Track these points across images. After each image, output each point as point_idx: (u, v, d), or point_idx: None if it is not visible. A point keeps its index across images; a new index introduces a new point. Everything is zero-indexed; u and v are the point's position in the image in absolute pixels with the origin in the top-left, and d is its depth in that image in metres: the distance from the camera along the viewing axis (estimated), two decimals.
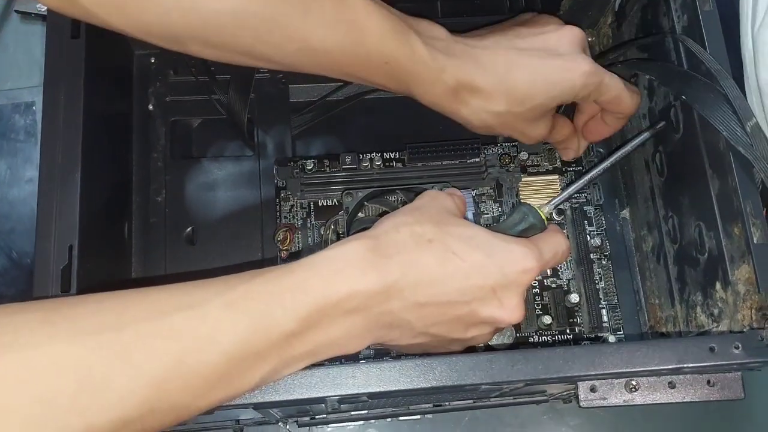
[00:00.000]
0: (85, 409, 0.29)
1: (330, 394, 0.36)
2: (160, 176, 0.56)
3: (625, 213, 0.58)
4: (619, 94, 0.48)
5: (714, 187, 0.45)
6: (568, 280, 0.55)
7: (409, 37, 0.44)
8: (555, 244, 0.44)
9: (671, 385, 0.42)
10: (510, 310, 0.40)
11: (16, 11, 0.60)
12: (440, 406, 0.54)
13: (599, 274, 0.55)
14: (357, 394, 0.36)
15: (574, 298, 0.54)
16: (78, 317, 0.31)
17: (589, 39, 0.60)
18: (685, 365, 0.39)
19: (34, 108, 0.58)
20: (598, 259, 0.56)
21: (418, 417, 0.56)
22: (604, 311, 0.55)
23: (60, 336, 0.29)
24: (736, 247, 0.43)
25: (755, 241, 0.41)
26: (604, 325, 0.54)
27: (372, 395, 0.37)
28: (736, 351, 0.39)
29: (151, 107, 0.58)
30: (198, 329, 0.32)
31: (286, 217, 0.55)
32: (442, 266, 0.38)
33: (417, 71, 0.45)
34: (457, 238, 0.39)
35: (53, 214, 0.38)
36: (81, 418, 0.29)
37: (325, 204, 0.55)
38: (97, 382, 0.29)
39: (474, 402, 0.54)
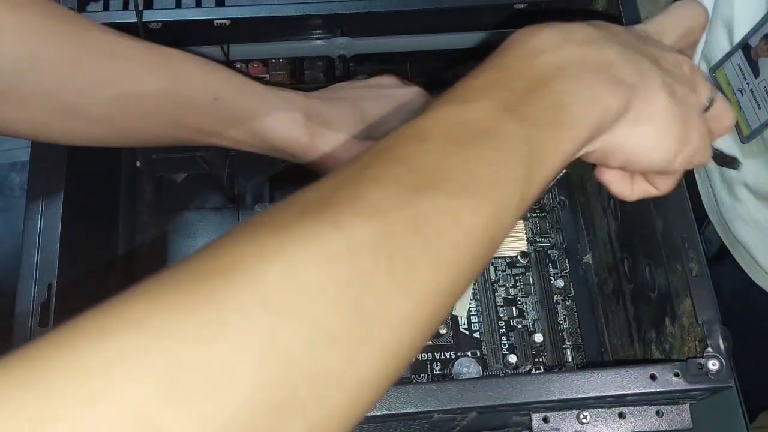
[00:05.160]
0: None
1: None
2: (145, 228, 0.60)
3: (588, 258, 0.60)
4: None
5: (658, 227, 0.47)
6: (533, 320, 0.57)
7: (236, 74, 0.43)
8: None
9: (621, 416, 0.44)
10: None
11: None
12: None
13: (564, 315, 0.58)
14: None
15: (538, 338, 0.56)
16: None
17: None
18: (628, 392, 0.41)
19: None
20: (562, 300, 0.58)
21: None
22: (568, 351, 0.57)
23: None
24: (679, 282, 0.45)
25: (693, 275, 0.44)
26: (568, 364, 0.56)
27: None
28: (676, 378, 0.41)
29: (138, 164, 0.62)
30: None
31: None
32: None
33: (254, 104, 0.43)
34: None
35: (35, 254, 0.42)
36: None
37: None
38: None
39: None
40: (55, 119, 0.40)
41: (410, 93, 0.52)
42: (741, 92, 0.47)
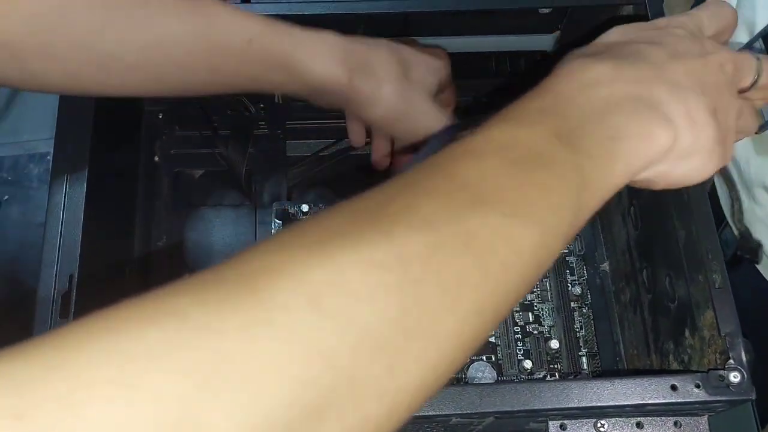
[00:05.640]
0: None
1: None
2: (162, 223, 0.60)
3: (605, 266, 0.60)
4: None
5: (680, 237, 0.47)
6: (550, 327, 0.57)
7: (269, 18, 0.42)
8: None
9: (639, 426, 0.44)
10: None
11: None
12: None
13: (580, 322, 0.58)
14: None
15: (554, 344, 0.56)
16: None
17: None
18: (648, 402, 0.41)
19: (48, 158, 0.62)
20: (579, 307, 0.58)
21: None
22: (584, 358, 0.56)
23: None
24: (701, 294, 0.45)
25: (716, 286, 0.44)
26: (584, 371, 0.56)
27: None
28: (697, 390, 0.41)
29: (156, 159, 0.62)
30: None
31: None
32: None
33: (290, 45, 0.42)
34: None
35: (57, 245, 0.41)
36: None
37: None
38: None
39: None
40: (88, 70, 0.40)
41: (438, 50, 0.52)
42: None
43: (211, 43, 0.41)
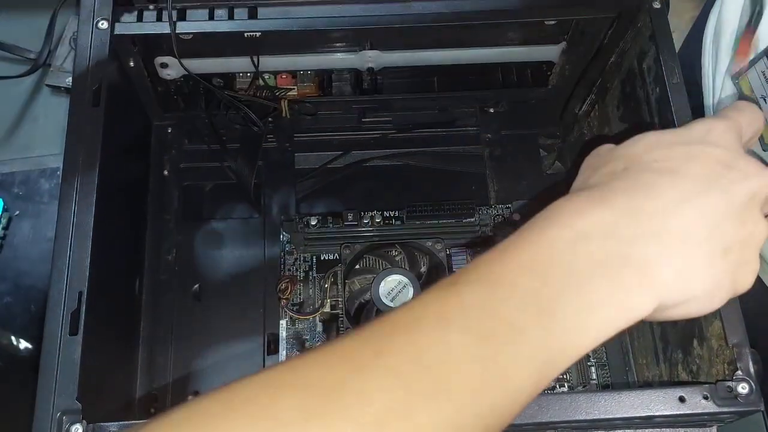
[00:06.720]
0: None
1: None
2: (171, 236, 0.60)
3: None
4: None
5: None
6: None
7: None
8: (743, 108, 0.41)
9: None
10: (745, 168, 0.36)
11: (47, 85, 0.65)
12: None
13: None
14: None
15: None
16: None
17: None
18: (656, 414, 0.41)
19: (58, 173, 0.62)
20: None
21: None
22: (593, 368, 0.56)
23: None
24: None
25: None
26: (593, 381, 0.56)
27: None
28: (705, 401, 0.41)
29: (166, 172, 0.62)
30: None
31: (289, 270, 0.58)
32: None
33: None
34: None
35: (66, 262, 0.42)
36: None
37: (326, 258, 0.59)
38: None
39: None
40: None
41: None
42: (764, 99, 0.47)
43: None
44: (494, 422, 0.30)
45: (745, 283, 0.37)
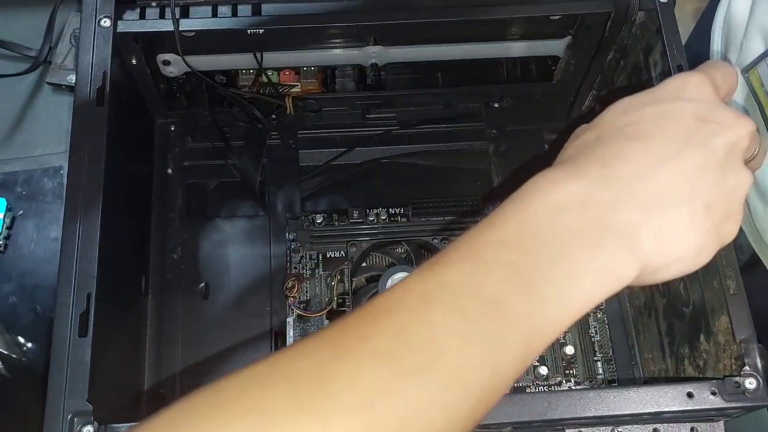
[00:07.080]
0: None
1: None
2: (176, 235, 0.60)
3: None
4: None
5: None
6: (565, 332, 0.57)
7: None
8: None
9: None
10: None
11: (48, 83, 0.65)
12: None
13: (595, 327, 0.58)
14: None
15: (569, 350, 0.56)
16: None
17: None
18: (664, 409, 0.41)
19: (61, 172, 0.62)
20: (594, 312, 0.58)
21: None
22: (599, 363, 0.56)
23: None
24: (715, 299, 0.45)
25: (731, 292, 0.44)
26: (599, 377, 0.56)
27: None
28: (713, 397, 0.41)
29: (170, 171, 0.62)
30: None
31: (295, 268, 0.58)
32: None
33: None
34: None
35: (74, 264, 0.42)
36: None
37: (333, 255, 0.58)
38: None
39: None
40: None
41: None
42: None
43: None
44: (484, 396, 0.30)
45: (731, 234, 0.36)
